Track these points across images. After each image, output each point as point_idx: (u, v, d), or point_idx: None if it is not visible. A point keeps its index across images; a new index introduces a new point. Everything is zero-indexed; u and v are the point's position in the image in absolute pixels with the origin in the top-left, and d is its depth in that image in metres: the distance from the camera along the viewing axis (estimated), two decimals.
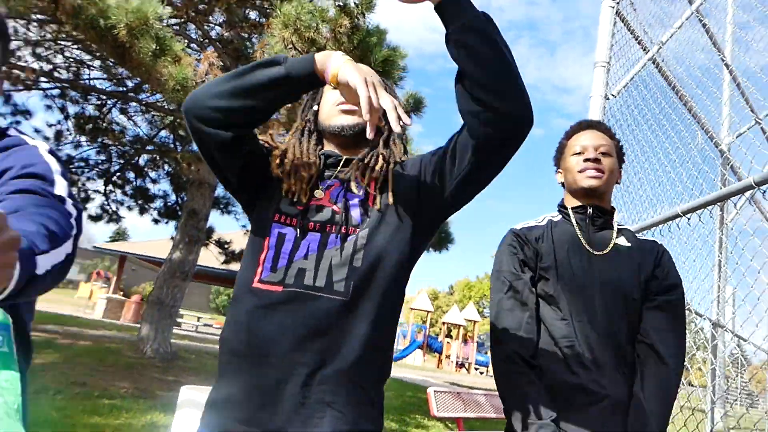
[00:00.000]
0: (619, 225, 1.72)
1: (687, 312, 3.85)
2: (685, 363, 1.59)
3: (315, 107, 1.46)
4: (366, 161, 1.35)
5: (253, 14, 9.09)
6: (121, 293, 24.67)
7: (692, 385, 4.96)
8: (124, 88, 10.76)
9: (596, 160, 1.65)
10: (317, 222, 1.27)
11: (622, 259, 1.62)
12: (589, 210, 1.68)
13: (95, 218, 13.10)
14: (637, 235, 1.71)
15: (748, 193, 2.12)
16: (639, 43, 3.88)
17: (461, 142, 1.24)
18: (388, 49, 5.75)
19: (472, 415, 5.42)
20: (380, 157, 1.36)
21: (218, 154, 1.28)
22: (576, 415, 1.46)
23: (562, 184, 1.79)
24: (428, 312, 29.25)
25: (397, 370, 19.57)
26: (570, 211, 1.72)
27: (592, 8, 3.46)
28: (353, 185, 1.32)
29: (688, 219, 2.42)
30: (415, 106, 6.68)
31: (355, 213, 1.29)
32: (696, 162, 3.24)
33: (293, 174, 1.31)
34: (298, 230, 1.26)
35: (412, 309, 31.14)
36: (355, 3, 5.38)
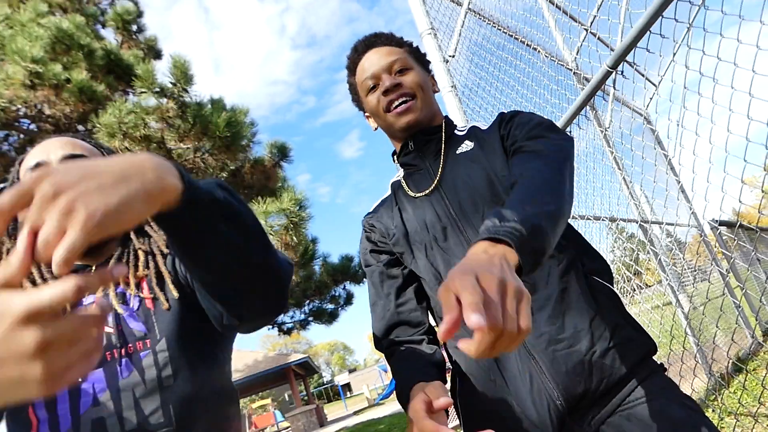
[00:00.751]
0: (459, 129, 1.38)
1: (614, 223, 3.83)
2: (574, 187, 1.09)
3: None
4: (124, 261, 1.06)
5: None
6: None
7: (649, 286, 5.02)
8: None
9: (396, 86, 1.28)
10: None
11: (471, 163, 1.25)
12: (411, 145, 1.34)
13: None
14: (482, 127, 1.35)
15: (609, 81, 2.03)
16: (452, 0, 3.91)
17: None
18: (227, 111, 5.48)
19: None
20: (140, 252, 1.08)
21: None
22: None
23: (378, 129, 1.45)
24: None
25: (391, 406, 19.02)
26: (394, 158, 1.41)
27: (405, 2, 3.45)
28: (118, 295, 1.02)
29: (570, 132, 2.33)
30: (281, 154, 6.44)
31: (135, 324, 0.99)
32: (552, 78, 3.23)
33: None
34: None
35: None
36: (171, 83, 5.08)
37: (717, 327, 3.03)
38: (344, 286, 9.77)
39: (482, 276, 0.67)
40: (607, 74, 1.95)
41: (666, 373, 1.14)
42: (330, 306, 10.01)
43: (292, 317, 10.03)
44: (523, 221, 0.81)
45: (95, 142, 1.18)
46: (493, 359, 1.13)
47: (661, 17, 1.72)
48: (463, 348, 0.64)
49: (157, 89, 5.14)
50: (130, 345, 0.96)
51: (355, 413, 22.88)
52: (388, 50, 1.34)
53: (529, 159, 1.08)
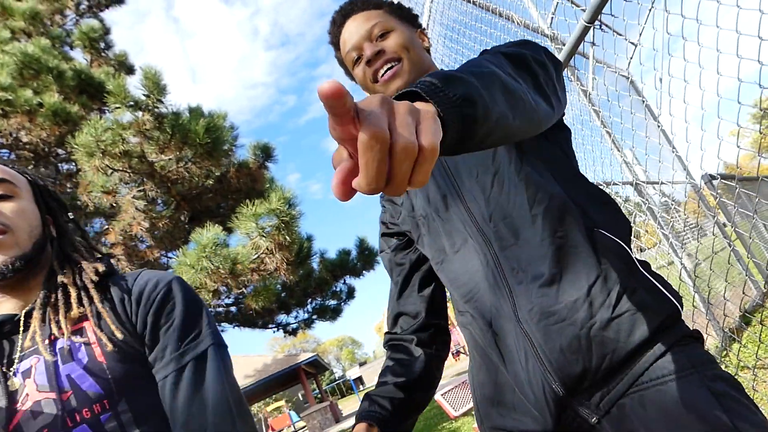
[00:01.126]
0: None
1: (608, 187, 3.76)
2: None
3: None
4: (53, 301, 0.93)
5: (65, 167, 8.43)
6: None
7: (650, 248, 4.98)
8: None
9: (378, 53, 1.17)
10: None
11: None
12: None
13: None
14: None
15: (588, 37, 1.96)
16: None
17: None
18: (205, 117, 5.38)
19: None
20: (68, 286, 0.95)
21: None
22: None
23: None
24: None
25: None
26: None
27: None
28: (64, 351, 0.89)
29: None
30: (265, 155, 6.36)
31: (89, 384, 0.87)
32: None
33: None
34: None
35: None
36: (144, 95, 4.98)
37: (726, 281, 2.98)
38: (344, 281, 9.69)
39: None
40: (585, 30, 1.86)
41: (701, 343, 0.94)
42: (332, 302, 9.94)
43: (296, 317, 9.96)
44: (436, 74, 0.64)
45: (21, 169, 1.06)
46: (491, 336, 1.01)
47: None
48: (355, 185, 0.47)
49: (131, 103, 5.03)
50: (85, 410, 0.85)
51: None
52: (366, 16, 1.22)
53: None
